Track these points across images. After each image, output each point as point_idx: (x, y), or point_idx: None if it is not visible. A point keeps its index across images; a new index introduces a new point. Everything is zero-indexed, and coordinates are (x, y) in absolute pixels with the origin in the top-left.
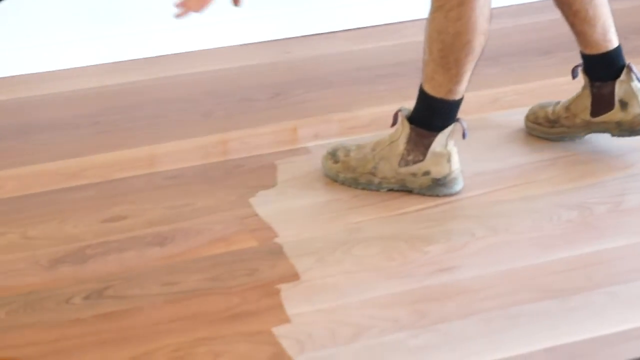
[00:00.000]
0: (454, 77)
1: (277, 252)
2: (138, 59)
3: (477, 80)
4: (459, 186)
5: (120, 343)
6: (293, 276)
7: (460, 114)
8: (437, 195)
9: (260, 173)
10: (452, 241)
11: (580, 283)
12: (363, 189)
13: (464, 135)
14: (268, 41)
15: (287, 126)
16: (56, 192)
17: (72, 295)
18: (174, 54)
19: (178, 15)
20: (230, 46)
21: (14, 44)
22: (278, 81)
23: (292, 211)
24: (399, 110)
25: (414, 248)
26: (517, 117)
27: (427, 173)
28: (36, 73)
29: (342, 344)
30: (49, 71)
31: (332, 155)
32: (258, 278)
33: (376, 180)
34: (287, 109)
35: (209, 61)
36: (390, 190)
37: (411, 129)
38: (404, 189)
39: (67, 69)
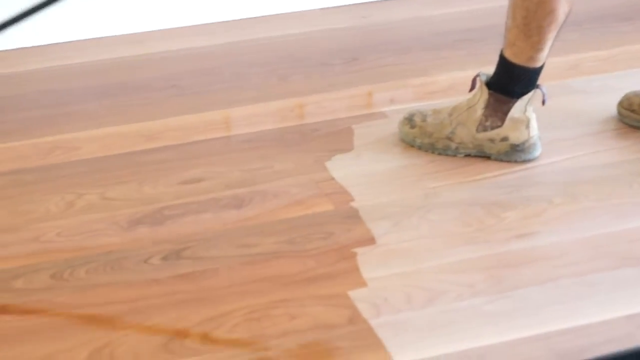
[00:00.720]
0: (536, 44)
1: (353, 216)
2: (216, 23)
3: (557, 46)
4: (537, 152)
5: (198, 304)
6: (369, 240)
7: (540, 80)
8: (515, 161)
9: (337, 137)
10: (530, 207)
11: None
12: (439, 154)
13: (543, 102)
14: (345, 5)
15: (364, 90)
16: (135, 153)
17: (151, 256)
18: (252, 17)
19: None
20: (308, 10)
21: (95, 7)
22: (355, 46)
23: (368, 175)
24: (477, 75)
25: (491, 214)
26: (597, 84)
27: (505, 139)
28: (114, 36)
29: (417, 309)
30: (128, 34)
31: (409, 120)
32: (334, 241)
33: (453, 145)
34: (363, 73)
35: (286, 25)
36: (468, 155)
37: (490, 94)
38: (482, 155)
39: (146, 32)
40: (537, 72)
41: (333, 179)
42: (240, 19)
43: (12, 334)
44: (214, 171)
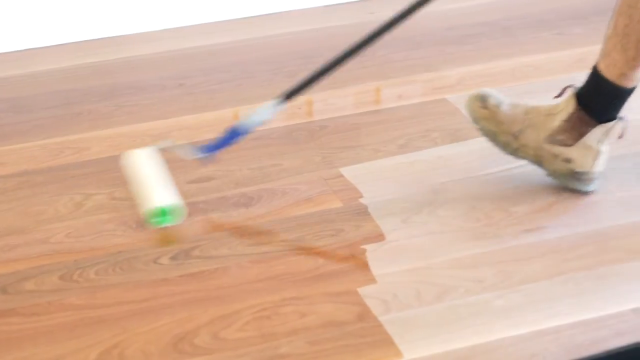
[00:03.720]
0: (631, 60)
1: (362, 213)
2: (222, 21)
3: (563, 40)
4: (593, 187)
5: (207, 303)
6: (378, 236)
7: (546, 74)
8: (567, 186)
9: (345, 134)
10: (538, 201)
11: None
12: (496, 146)
13: (621, 136)
14: (352, 2)
15: (372, 87)
16: None
17: (160, 255)
18: (258, 16)
19: None
20: (315, 7)
21: (103, 7)
22: None
23: (377, 172)
24: (569, 86)
25: (499, 208)
26: None
27: (568, 160)
28: (122, 36)
29: (427, 304)
30: (135, 33)
31: (483, 99)
32: (343, 238)
33: (515, 144)
34: (371, 69)
35: (293, 23)
36: (522, 159)
37: (576, 109)
38: (536, 165)
39: (153, 32)
40: (626, 93)
41: (341, 176)
42: (247, 17)
43: (22, 336)
44: (222, 170)
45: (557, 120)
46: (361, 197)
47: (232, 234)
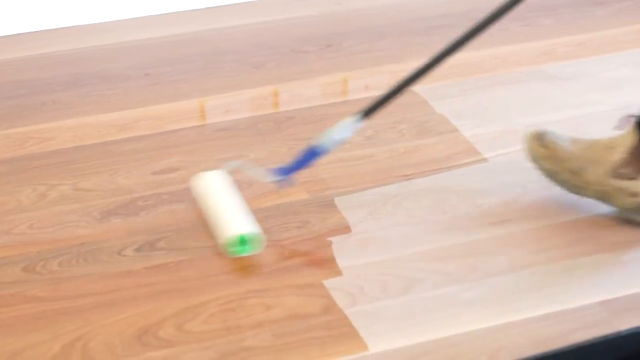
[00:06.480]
0: None
1: (329, 205)
2: (188, 11)
3: (531, 32)
4: None
5: (173, 295)
6: (344, 229)
7: (513, 66)
8: (636, 221)
9: (311, 125)
10: (505, 194)
11: (636, 237)
12: (557, 184)
13: None
14: None
15: (338, 78)
16: (107, 143)
17: (124, 247)
18: (225, 5)
19: None
20: None
21: None
22: (329, 32)
23: (343, 163)
24: (630, 115)
25: (466, 201)
26: (571, 69)
27: (634, 194)
28: (87, 25)
29: (393, 297)
30: (99, 23)
31: (540, 137)
32: (309, 230)
33: (577, 182)
34: (338, 60)
35: (259, 12)
36: (586, 196)
37: (639, 142)
38: (603, 202)
39: (117, 21)
40: None
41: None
42: (213, 7)
43: None
44: (188, 161)
45: (618, 153)
46: (327, 188)
47: (197, 226)
